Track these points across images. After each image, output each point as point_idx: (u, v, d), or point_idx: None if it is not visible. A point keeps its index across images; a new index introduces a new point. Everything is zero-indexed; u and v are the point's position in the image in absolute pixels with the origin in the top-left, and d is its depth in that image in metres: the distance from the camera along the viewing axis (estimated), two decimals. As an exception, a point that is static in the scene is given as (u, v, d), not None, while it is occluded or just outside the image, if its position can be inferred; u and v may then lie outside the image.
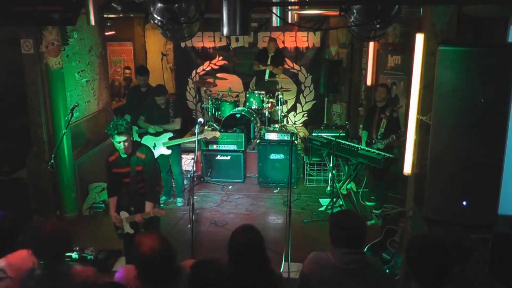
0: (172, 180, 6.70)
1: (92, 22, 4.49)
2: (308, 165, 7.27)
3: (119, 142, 4.08)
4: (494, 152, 3.33)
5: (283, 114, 8.27)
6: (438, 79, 3.39)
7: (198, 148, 5.67)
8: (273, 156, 7.17)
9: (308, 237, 5.57)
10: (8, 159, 6.18)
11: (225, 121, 7.64)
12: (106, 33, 8.00)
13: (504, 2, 3.62)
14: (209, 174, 7.42)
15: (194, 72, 9.37)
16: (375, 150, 5.88)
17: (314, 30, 8.73)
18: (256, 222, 5.84)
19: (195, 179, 6.64)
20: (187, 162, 7.36)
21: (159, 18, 3.69)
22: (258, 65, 8.28)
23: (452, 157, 3.40)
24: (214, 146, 7.35)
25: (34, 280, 2.56)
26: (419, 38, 3.84)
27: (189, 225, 5.17)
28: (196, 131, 4.97)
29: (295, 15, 4.36)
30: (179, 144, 6.44)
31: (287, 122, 8.90)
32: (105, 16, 7.80)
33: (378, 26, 3.77)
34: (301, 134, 8.50)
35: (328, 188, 6.90)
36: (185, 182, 6.92)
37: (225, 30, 3.43)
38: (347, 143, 6.30)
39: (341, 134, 6.39)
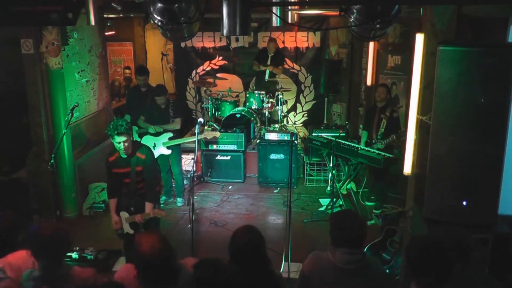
0: (172, 180, 6.70)
1: (92, 22, 4.49)
2: (308, 165, 7.27)
3: (119, 143, 4.08)
4: (494, 152, 3.33)
5: (283, 114, 8.26)
6: (438, 79, 3.39)
7: (198, 148, 5.67)
8: (273, 156, 7.17)
9: (308, 237, 5.57)
10: (8, 159, 6.18)
11: (225, 121, 7.63)
12: (106, 33, 8.00)
13: (504, 2, 3.62)
14: (209, 174, 7.42)
15: (194, 72, 9.37)
16: (375, 150, 5.88)
17: (314, 30, 8.73)
18: (256, 222, 5.84)
19: (195, 179, 6.64)
20: (187, 162, 7.36)
21: (159, 18, 3.69)
22: (258, 65, 8.27)
23: (452, 157, 3.40)
24: (214, 146, 7.35)
25: (33, 281, 2.55)
26: (419, 38, 3.84)
27: (189, 225, 5.17)
28: (196, 131, 4.97)
29: (295, 15, 4.36)
30: (179, 144, 6.45)
31: (287, 122, 8.90)
32: (105, 16, 7.80)
33: (378, 26, 3.77)
34: (301, 134, 8.50)
35: (328, 188, 6.90)
36: (185, 182, 6.92)
37: (225, 30, 3.43)
38: (347, 143, 6.30)
39: (341, 134, 6.39)
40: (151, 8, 3.69)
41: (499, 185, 3.41)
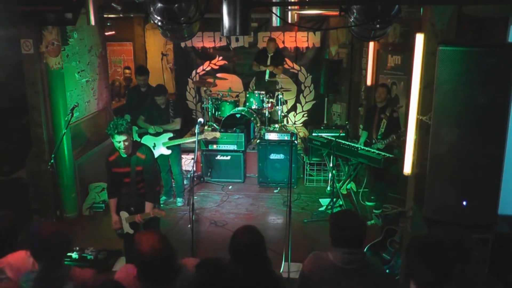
0: (172, 180, 6.70)
1: (92, 22, 4.50)
2: (308, 165, 7.27)
3: (119, 142, 4.08)
4: (494, 152, 3.33)
5: (283, 114, 8.26)
6: (438, 79, 3.39)
7: (198, 148, 5.67)
8: (273, 156, 7.17)
9: (308, 237, 5.57)
10: (8, 159, 6.17)
11: (225, 121, 7.63)
12: (106, 33, 8.00)
13: (504, 2, 3.62)
14: (209, 174, 7.42)
15: (194, 72, 9.37)
16: (375, 150, 5.88)
17: (314, 30, 8.73)
18: (256, 222, 5.84)
19: (195, 179, 6.64)
20: (187, 162, 7.37)
21: (159, 18, 3.69)
22: (258, 65, 8.27)
23: (452, 157, 3.40)
24: (214, 146, 7.35)
25: (33, 282, 2.55)
26: (419, 38, 3.84)
27: (189, 225, 5.17)
28: (196, 131, 4.97)
29: (295, 15, 4.37)
30: (179, 144, 6.44)
31: (287, 122, 8.90)
32: (105, 16, 7.80)
33: (378, 26, 3.77)
34: (301, 134, 8.50)
35: (328, 188, 6.90)
36: (185, 182, 6.92)
37: (225, 30, 3.43)
38: (347, 143, 6.30)
39: (341, 134, 6.39)
40: (151, 8, 3.69)
41: (499, 185, 3.41)
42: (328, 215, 5.51)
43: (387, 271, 4.41)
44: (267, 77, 8.22)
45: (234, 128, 7.40)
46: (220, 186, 7.22)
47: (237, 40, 9.13)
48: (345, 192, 6.60)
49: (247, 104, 8.12)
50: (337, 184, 6.25)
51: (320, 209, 6.32)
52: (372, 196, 6.50)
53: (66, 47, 6.16)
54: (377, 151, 5.82)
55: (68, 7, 4.17)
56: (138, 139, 6.26)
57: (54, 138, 5.86)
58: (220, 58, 9.29)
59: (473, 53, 3.26)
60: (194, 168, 5.47)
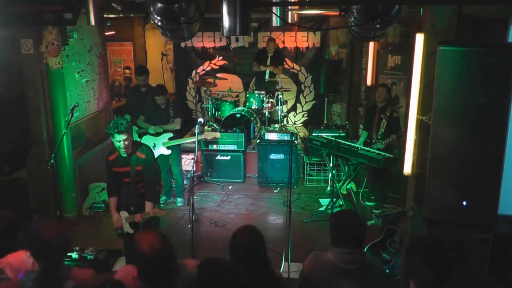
0: (172, 180, 6.70)
1: (92, 22, 4.49)
2: (308, 165, 7.27)
3: (119, 141, 4.08)
4: (494, 152, 3.33)
5: (283, 114, 8.27)
6: (438, 79, 3.39)
7: (198, 148, 5.67)
8: (273, 156, 7.17)
9: (308, 237, 5.57)
10: (8, 159, 6.17)
11: (225, 121, 7.63)
12: (106, 33, 8.01)
13: (504, 2, 3.62)
14: (209, 174, 7.42)
15: (194, 72, 9.38)
16: (375, 150, 5.88)
17: (314, 30, 8.73)
18: (256, 222, 5.84)
19: (195, 179, 6.64)
20: (187, 162, 7.37)
21: (159, 18, 3.69)
22: (258, 65, 8.27)
23: (452, 157, 3.40)
24: (214, 146, 7.35)
25: (33, 282, 2.55)
26: (419, 38, 3.84)
27: (189, 225, 5.17)
28: (196, 131, 4.97)
29: (295, 15, 4.37)
30: (179, 144, 6.44)
31: (287, 122, 8.90)
32: (105, 16, 7.80)
33: (378, 26, 3.76)
34: (301, 134, 8.50)
35: (328, 188, 6.90)
36: (185, 182, 6.92)
37: (225, 30, 3.43)
38: (347, 143, 6.30)
39: (341, 134, 6.39)
40: (151, 8, 3.69)
41: (499, 185, 3.41)
42: (328, 215, 5.51)
43: (387, 271, 4.41)
44: (267, 77, 8.22)
45: (234, 128, 7.40)
46: (220, 186, 7.22)
47: (237, 40, 9.13)
48: (345, 192, 6.60)
49: (247, 104, 8.12)
50: (337, 184, 6.25)
51: (320, 209, 6.32)
52: (372, 196, 6.50)
53: (66, 47, 6.16)
54: (377, 151, 5.82)
55: (68, 7, 4.16)
56: (138, 139, 6.25)
57: (54, 138, 5.86)
58: (220, 58, 9.29)
59: (473, 53, 3.26)
60: (194, 168, 5.47)
